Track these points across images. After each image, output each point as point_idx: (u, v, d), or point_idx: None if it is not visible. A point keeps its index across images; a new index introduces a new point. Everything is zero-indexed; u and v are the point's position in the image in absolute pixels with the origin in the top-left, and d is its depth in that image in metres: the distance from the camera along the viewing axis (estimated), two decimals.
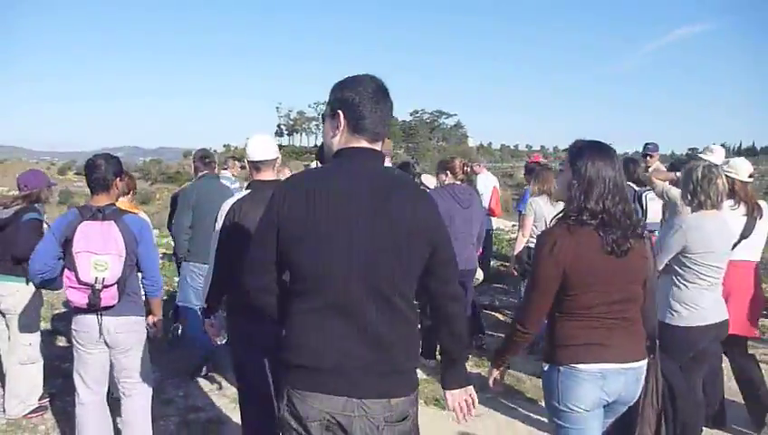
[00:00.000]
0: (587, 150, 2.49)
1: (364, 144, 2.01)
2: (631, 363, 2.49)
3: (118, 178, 3.49)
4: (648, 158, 7.24)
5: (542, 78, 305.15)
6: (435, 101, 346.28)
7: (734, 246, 3.89)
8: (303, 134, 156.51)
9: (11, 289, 4.22)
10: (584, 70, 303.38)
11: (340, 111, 2.02)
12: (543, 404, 2.77)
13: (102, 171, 3.41)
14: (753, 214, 4.20)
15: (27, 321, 4.35)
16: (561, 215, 2.52)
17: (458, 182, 5.29)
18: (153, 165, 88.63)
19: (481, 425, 4.31)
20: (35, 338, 4.44)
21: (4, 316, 4.37)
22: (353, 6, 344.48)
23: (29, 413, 4.38)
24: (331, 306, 1.93)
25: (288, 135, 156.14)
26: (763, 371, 4.44)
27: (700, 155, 5.66)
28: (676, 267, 3.52)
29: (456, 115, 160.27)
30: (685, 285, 3.50)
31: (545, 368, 2.57)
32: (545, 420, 3.20)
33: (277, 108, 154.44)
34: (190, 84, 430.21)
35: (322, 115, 2.13)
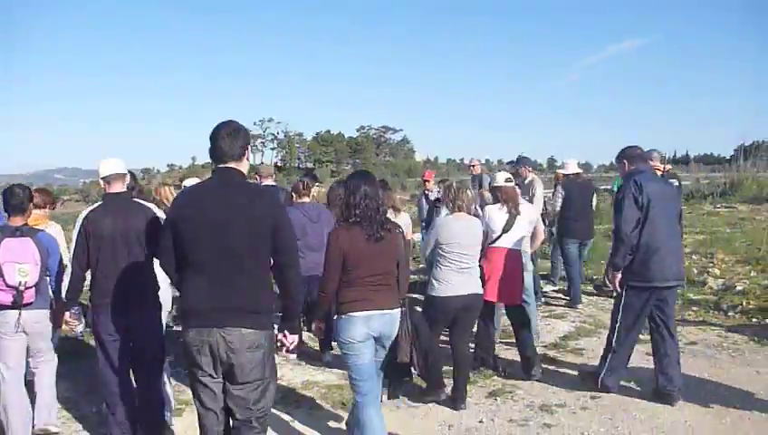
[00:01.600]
0: (350, 177, 4.03)
1: (228, 164, 3.24)
2: (387, 310, 3.79)
3: (31, 203, 4.54)
4: (522, 169, 8.16)
5: (488, 92, 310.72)
6: (381, 116, 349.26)
7: (498, 238, 5.56)
8: (250, 152, 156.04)
9: None
10: (528, 83, 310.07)
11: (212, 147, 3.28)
12: None
13: (20, 198, 4.38)
14: (512, 212, 5.64)
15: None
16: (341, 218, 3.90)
17: (306, 200, 6.35)
18: (93, 186, 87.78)
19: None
20: None
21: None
22: (294, 21, 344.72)
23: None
24: (207, 272, 3.11)
25: None
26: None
27: (558, 167, 7.82)
28: (436, 255, 5.04)
29: (402, 130, 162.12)
30: (440, 267, 4.99)
31: (335, 319, 3.83)
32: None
33: None
34: (133, 105, 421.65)
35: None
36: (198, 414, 3.31)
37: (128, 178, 4.53)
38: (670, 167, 9.57)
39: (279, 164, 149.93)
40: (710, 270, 9.62)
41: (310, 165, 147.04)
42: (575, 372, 5.69)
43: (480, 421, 4.78)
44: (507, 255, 5.59)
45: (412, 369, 4.26)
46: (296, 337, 3.41)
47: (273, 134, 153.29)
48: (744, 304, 7.77)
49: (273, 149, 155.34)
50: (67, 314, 4.29)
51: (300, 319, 3.82)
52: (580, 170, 9.04)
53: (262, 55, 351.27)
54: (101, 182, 4.28)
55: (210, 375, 3.17)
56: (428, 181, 9.48)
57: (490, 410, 5.01)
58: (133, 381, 4.32)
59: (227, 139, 3.23)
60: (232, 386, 3.19)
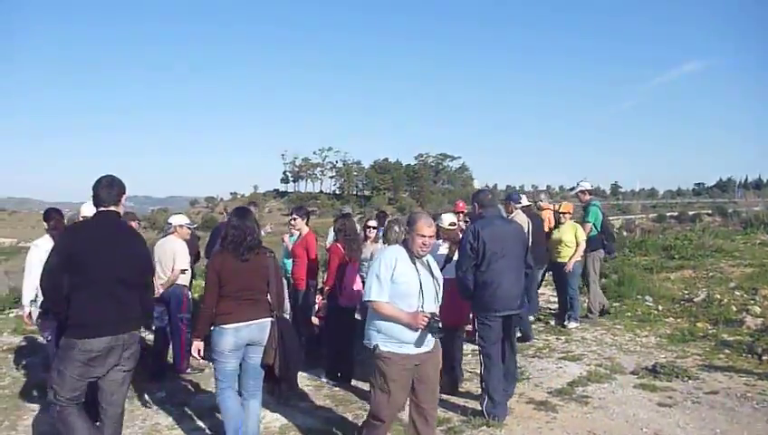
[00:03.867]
0: (231, 212, 4.96)
1: (107, 208, 4.18)
2: (254, 320, 4.57)
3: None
4: (512, 203, 8.46)
5: (547, 118, 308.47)
6: (439, 144, 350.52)
7: (443, 267, 5.73)
8: (309, 180, 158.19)
9: None
10: (587, 110, 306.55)
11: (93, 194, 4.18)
12: None
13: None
14: (452, 248, 6.11)
15: None
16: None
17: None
18: (160, 214, 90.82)
19: None
20: None
21: None
22: (355, 53, 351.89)
23: None
24: (102, 293, 3.96)
25: (293, 181, 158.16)
26: None
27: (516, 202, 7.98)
28: None
29: (460, 158, 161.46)
30: None
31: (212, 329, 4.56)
32: None
33: (283, 155, 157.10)
34: (198, 134, 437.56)
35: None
36: None
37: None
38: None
39: (337, 192, 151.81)
40: (750, 308, 8.87)
41: (367, 193, 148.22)
42: (569, 426, 5.21)
43: None
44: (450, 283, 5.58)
45: (276, 369, 4.72)
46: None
47: (332, 163, 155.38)
48: None
49: (331, 177, 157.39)
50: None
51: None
52: (529, 203, 9.42)
53: (321, 86, 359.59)
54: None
55: None
56: (462, 212, 9.21)
57: None
58: None
59: (105, 189, 4.16)
60: None
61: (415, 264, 4.20)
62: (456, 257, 5.88)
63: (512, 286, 5.42)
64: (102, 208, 4.15)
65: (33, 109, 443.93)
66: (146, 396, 6.08)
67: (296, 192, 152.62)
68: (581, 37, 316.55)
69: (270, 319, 4.66)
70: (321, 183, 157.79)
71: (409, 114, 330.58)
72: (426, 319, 4.02)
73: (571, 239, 8.69)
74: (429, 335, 4.15)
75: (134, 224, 7.46)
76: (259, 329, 4.60)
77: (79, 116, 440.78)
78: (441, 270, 5.83)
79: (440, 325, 4.08)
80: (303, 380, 6.59)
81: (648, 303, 10.05)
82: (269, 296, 4.71)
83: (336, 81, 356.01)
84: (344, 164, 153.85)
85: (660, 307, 9.79)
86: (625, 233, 21.32)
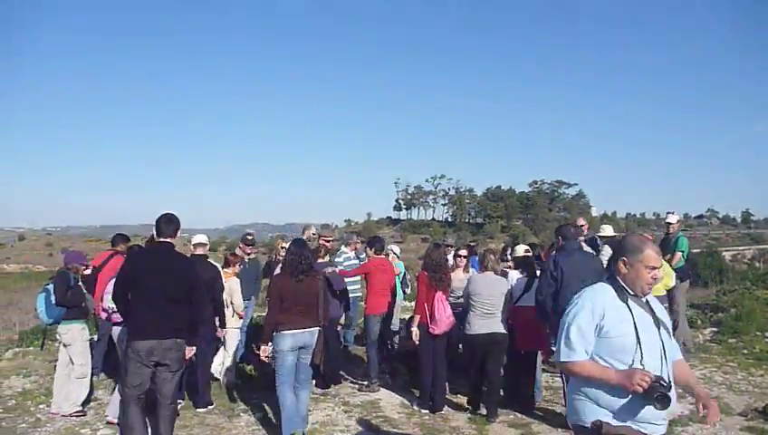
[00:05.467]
0: (290, 243, 6.22)
1: (165, 239, 5.24)
2: (306, 329, 5.68)
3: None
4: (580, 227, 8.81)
5: (671, 143, 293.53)
6: (555, 171, 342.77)
7: (521, 296, 6.71)
8: (421, 208, 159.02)
9: (66, 328, 6.44)
10: (713, 135, 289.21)
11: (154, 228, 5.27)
12: None
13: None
14: (531, 277, 6.74)
15: (79, 349, 6.42)
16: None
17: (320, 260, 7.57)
18: (277, 239, 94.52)
19: None
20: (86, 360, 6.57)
21: (65, 346, 6.42)
22: (470, 79, 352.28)
23: (74, 413, 6.38)
24: (152, 306, 4.98)
25: (406, 209, 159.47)
26: None
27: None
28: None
29: (576, 185, 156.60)
30: (468, 311, 6.51)
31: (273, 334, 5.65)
32: None
33: (395, 183, 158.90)
34: (315, 162, 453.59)
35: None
36: None
37: (207, 248, 7.16)
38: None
39: (450, 220, 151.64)
40: None
41: (480, 220, 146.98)
42: None
43: None
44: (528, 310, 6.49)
45: (321, 368, 6.25)
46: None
47: (445, 190, 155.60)
48: None
49: (444, 205, 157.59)
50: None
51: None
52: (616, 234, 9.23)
53: (435, 113, 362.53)
54: (192, 247, 7.01)
55: None
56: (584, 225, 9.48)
57: None
58: None
59: (164, 224, 5.25)
60: None
61: (630, 307, 3.03)
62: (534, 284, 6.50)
63: None
64: (162, 239, 5.24)
65: (135, 137, 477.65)
66: (243, 416, 6.49)
67: (408, 219, 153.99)
68: (705, 59, 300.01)
69: (318, 328, 5.75)
70: (434, 211, 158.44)
71: (525, 141, 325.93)
72: (646, 380, 2.80)
73: None
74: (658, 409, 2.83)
75: (248, 248, 8.26)
76: (310, 335, 5.71)
77: (197, 144, 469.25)
78: (518, 299, 6.65)
79: (669, 393, 2.80)
80: (396, 406, 6.77)
81: (767, 340, 9.35)
82: (319, 310, 5.77)
83: (450, 107, 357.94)
84: (457, 191, 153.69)
85: None
86: (757, 264, 19.94)
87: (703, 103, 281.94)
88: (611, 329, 2.96)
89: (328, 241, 8.41)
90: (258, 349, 6.00)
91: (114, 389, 6.26)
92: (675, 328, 8.74)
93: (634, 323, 2.97)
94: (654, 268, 3.01)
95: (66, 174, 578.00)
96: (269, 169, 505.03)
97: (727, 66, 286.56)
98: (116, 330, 6.36)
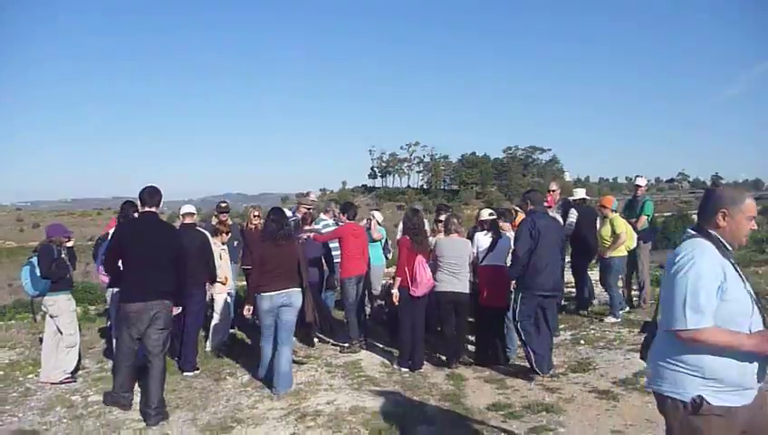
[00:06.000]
0: (270, 211, 6.63)
1: (149, 209, 5.71)
2: (286, 290, 6.15)
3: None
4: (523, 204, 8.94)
5: (643, 107, 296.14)
6: (528, 137, 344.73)
7: (485, 256, 7.15)
8: (396, 175, 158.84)
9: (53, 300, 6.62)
10: (685, 99, 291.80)
11: (138, 199, 5.83)
12: None
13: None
14: (494, 237, 7.22)
15: (67, 319, 6.60)
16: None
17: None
18: (248, 208, 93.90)
19: None
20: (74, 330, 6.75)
21: (52, 317, 6.57)
22: (440, 48, 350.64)
23: (63, 380, 6.57)
24: (138, 271, 5.47)
25: (381, 177, 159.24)
26: None
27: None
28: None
29: (550, 150, 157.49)
30: (436, 271, 6.98)
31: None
32: None
33: (370, 151, 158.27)
34: (288, 131, 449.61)
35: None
36: None
37: (195, 217, 7.64)
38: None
39: (425, 187, 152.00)
40: None
41: (455, 187, 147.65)
42: (624, 413, 5.31)
43: None
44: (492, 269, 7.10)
45: (313, 324, 6.67)
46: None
47: (420, 157, 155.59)
48: None
49: (419, 172, 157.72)
50: None
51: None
52: (586, 197, 9.66)
53: (408, 81, 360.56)
54: (181, 217, 7.41)
55: None
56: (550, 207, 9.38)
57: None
58: None
59: (148, 195, 5.71)
60: None
61: (733, 265, 2.80)
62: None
63: (555, 270, 6.63)
64: (146, 209, 5.71)
65: (138, 112, 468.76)
66: (229, 379, 6.69)
67: (384, 187, 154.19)
68: (677, 24, 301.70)
69: (299, 289, 6.25)
70: (409, 178, 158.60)
71: (498, 108, 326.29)
72: None
73: (608, 232, 8.71)
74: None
75: (222, 216, 8.42)
76: (287, 296, 6.17)
77: (167, 117, 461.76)
78: (483, 258, 7.10)
79: None
80: (376, 366, 7.04)
81: None
82: (300, 273, 6.27)
83: (422, 75, 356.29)
84: (432, 159, 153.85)
85: None
86: None
87: (675, 67, 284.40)
88: (732, 290, 2.71)
89: (308, 209, 8.64)
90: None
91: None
92: (641, 288, 9.14)
93: (744, 283, 2.78)
94: (753, 218, 2.86)
95: (33, 149, 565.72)
96: (242, 140, 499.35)
97: (699, 28, 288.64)
98: (110, 292, 6.97)
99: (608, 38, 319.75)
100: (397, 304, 6.96)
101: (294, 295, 6.20)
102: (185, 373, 6.82)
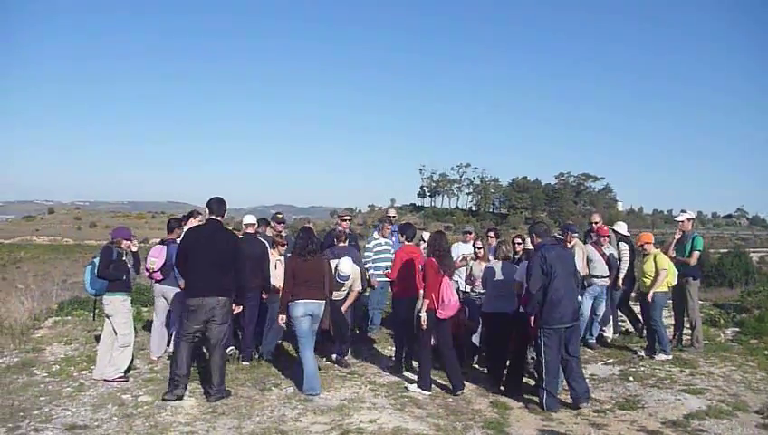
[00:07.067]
0: (299, 229, 7.47)
1: (215, 217, 6.62)
2: (315, 300, 6.81)
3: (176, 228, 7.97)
4: (570, 233, 8.99)
5: (701, 141, 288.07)
6: (582, 164, 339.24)
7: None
8: (445, 196, 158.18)
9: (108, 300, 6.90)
10: (744, 134, 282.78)
11: (206, 208, 6.72)
12: None
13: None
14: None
15: (122, 320, 6.82)
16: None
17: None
18: (300, 222, 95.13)
19: None
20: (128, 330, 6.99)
21: (108, 317, 6.80)
22: (499, 68, 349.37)
23: (116, 378, 6.79)
24: (201, 271, 6.31)
25: (430, 196, 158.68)
26: None
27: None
28: None
29: (603, 178, 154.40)
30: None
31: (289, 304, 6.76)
32: None
33: (420, 170, 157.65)
34: (341, 147, 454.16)
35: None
36: None
37: (254, 227, 8.16)
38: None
39: (473, 208, 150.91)
40: None
41: (504, 211, 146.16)
42: None
43: None
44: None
45: (331, 332, 7.22)
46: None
47: (470, 179, 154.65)
48: None
49: (468, 193, 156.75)
50: None
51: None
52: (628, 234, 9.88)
53: (462, 101, 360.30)
54: (243, 227, 8.10)
55: None
56: (606, 236, 9.49)
57: None
58: None
59: (215, 205, 6.60)
60: None
61: None
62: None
63: (573, 299, 6.69)
64: (212, 217, 6.56)
65: (192, 119, 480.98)
66: (274, 389, 6.79)
67: (432, 207, 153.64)
68: (735, 62, 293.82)
69: (324, 301, 6.89)
70: (458, 199, 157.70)
71: (551, 133, 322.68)
72: None
73: (651, 268, 8.53)
74: None
75: (278, 226, 8.83)
76: (317, 306, 6.82)
77: (224, 125, 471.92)
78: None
79: None
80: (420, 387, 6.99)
81: None
82: (325, 286, 6.87)
83: (478, 96, 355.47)
84: (482, 181, 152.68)
85: None
86: None
87: (733, 102, 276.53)
88: None
89: (344, 220, 9.34)
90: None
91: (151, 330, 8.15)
92: (693, 327, 8.88)
93: None
94: None
95: (98, 150, 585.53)
96: (294, 151, 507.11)
97: (760, 62, 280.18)
98: (157, 287, 7.83)
99: (668, 71, 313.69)
100: (424, 327, 6.89)
101: (321, 307, 6.86)
102: (243, 363, 7.69)
